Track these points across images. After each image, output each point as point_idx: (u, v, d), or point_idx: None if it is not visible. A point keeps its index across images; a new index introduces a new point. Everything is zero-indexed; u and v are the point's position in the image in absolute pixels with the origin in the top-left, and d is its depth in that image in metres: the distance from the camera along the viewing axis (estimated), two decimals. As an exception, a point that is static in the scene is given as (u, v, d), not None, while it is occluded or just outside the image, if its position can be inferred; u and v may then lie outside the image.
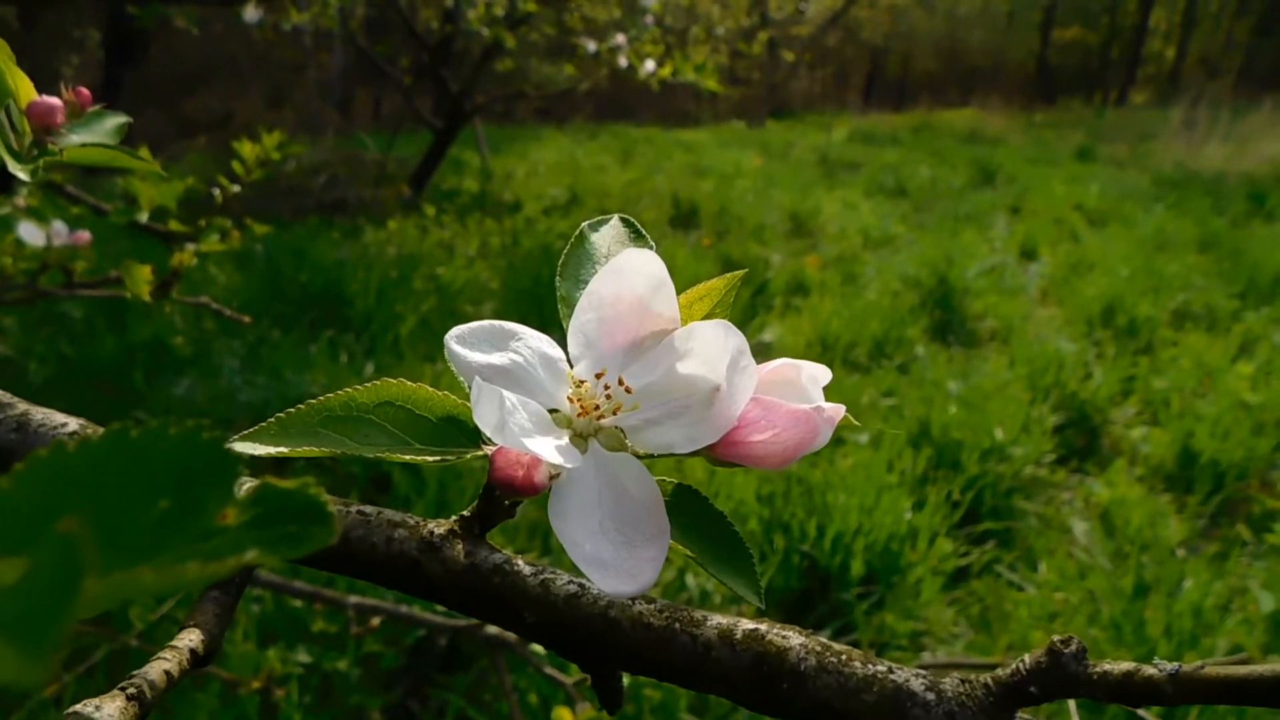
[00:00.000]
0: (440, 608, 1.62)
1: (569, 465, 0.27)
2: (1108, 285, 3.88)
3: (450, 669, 1.65)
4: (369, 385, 0.29)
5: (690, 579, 1.85)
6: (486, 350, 0.29)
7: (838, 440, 2.48)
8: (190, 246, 1.27)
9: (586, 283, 0.31)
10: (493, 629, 1.20)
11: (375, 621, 1.40)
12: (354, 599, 1.30)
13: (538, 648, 1.23)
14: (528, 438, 0.26)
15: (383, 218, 4.82)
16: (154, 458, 0.15)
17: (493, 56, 5.15)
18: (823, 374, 0.30)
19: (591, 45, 4.53)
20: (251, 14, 4.07)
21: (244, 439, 0.27)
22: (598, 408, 0.29)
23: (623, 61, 4.35)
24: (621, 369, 0.29)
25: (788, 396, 0.29)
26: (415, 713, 1.58)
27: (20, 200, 1.28)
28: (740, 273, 0.31)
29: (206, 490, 0.15)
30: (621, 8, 5.22)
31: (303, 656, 1.59)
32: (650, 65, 4.20)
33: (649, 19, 4.73)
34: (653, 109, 12.00)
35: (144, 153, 0.62)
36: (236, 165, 1.46)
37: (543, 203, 5.56)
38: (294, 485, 0.15)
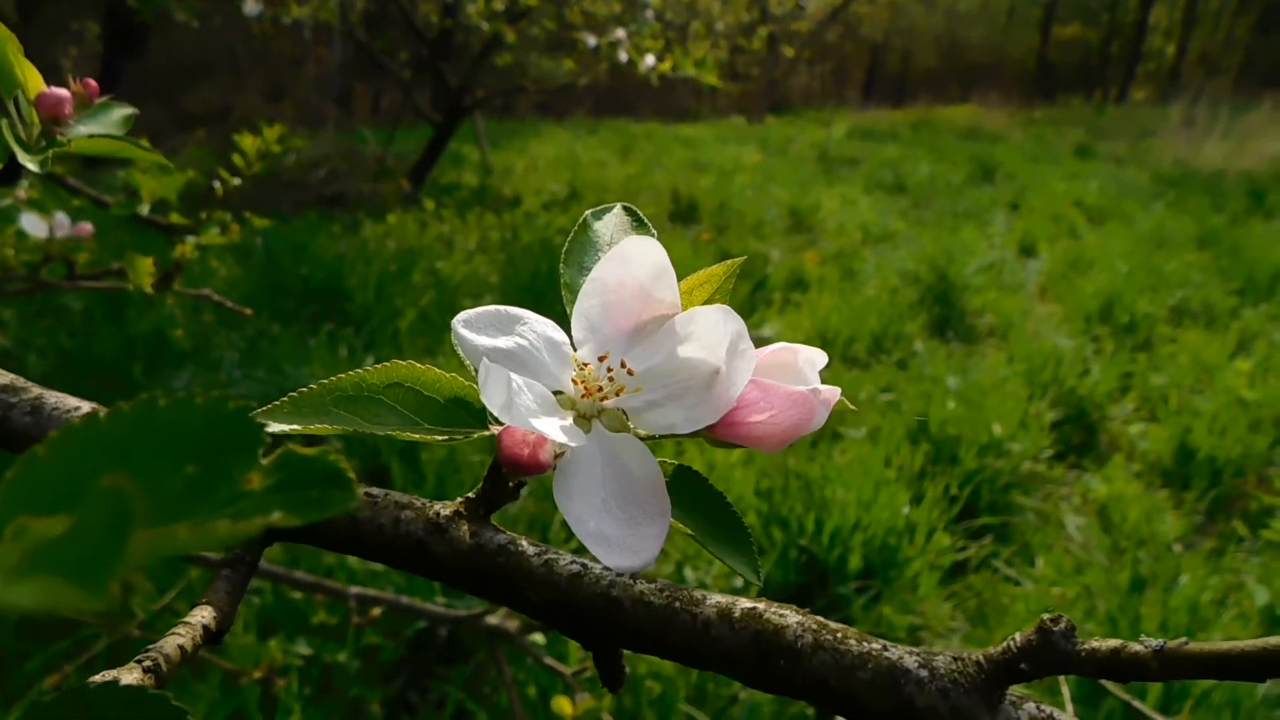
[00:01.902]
0: (441, 599, 1.63)
1: (573, 444, 0.28)
2: (1106, 282, 3.89)
3: (450, 661, 1.66)
4: (379, 367, 0.30)
5: (689, 572, 1.86)
6: (493, 334, 0.30)
7: (835, 435, 2.49)
8: (191, 239, 1.27)
9: (590, 269, 0.32)
10: (493, 620, 1.21)
11: (376, 612, 1.41)
12: (355, 589, 1.31)
13: (538, 638, 1.24)
14: (534, 417, 0.27)
15: (382, 212, 4.82)
16: (182, 427, 0.15)
17: (492, 51, 5.15)
18: (819, 357, 0.31)
19: (591, 40, 4.53)
20: (251, 7, 4.07)
21: (258, 416, 0.28)
22: (601, 389, 0.30)
23: (623, 56, 4.34)
24: (624, 352, 0.30)
25: (785, 379, 0.30)
26: (414, 705, 1.59)
27: (22, 192, 1.28)
28: (739, 259, 0.32)
29: (232, 457, 0.15)
30: (622, 2, 5.21)
31: (303, 648, 1.60)
32: (650, 60, 4.20)
33: (649, 14, 4.73)
34: (652, 104, 12.00)
35: (145, 145, 0.62)
36: (237, 158, 1.46)
37: (542, 198, 5.56)
38: (315, 452, 0.15)
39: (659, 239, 0.33)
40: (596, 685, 1.43)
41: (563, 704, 1.09)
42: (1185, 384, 2.96)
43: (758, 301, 3.75)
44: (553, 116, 10.95)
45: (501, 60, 5.56)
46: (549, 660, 1.20)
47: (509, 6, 4.59)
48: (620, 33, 4.45)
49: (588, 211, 0.34)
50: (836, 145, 8.56)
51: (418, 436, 0.29)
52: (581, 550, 0.31)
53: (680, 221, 5.26)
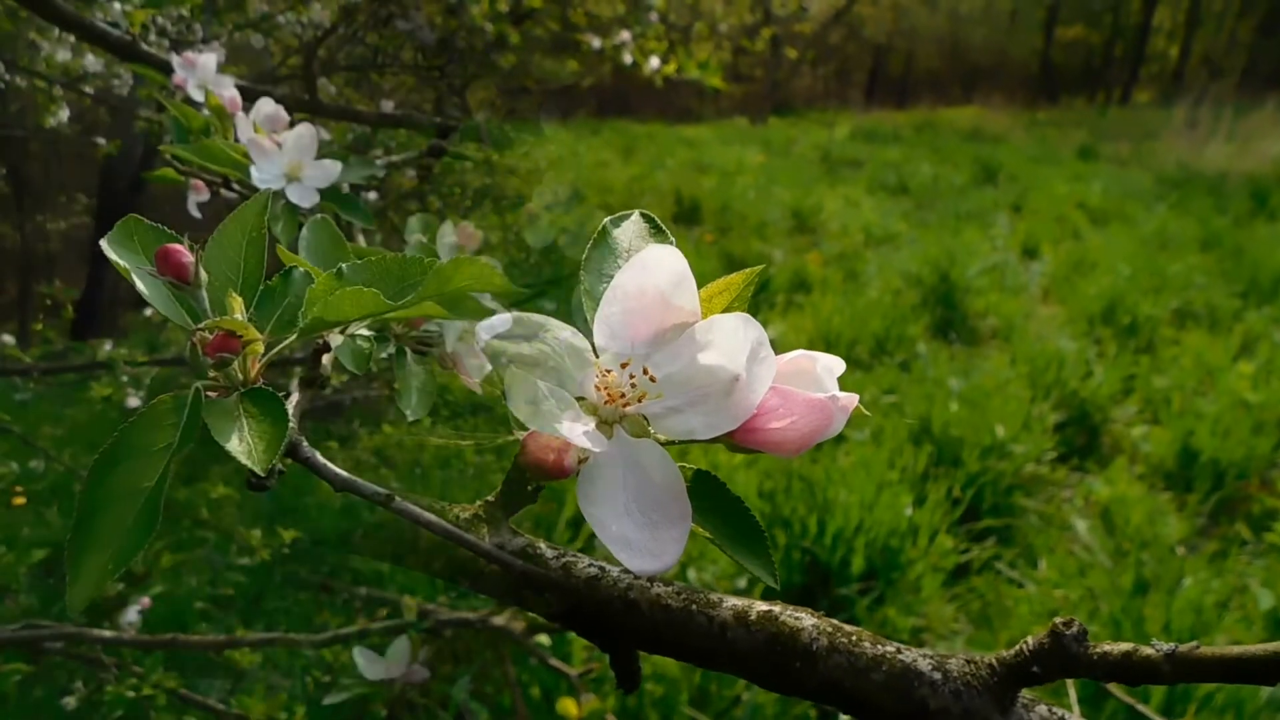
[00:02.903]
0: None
1: (597, 450, 0.28)
2: (1109, 284, 3.89)
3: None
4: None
5: (692, 573, 1.86)
6: (516, 340, 0.30)
7: (839, 437, 2.50)
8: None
9: (609, 276, 0.32)
10: (498, 621, 1.21)
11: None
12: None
13: (543, 639, 1.25)
14: (559, 423, 0.28)
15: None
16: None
17: (495, 52, 5.15)
18: (837, 365, 0.32)
19: (596, 41, 4.53)
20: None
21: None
22: (623, 396, 0.31)
23: (627, 58, 4.34)
24: (645, 359, 0.31)
25: (804, 386, 0.31)
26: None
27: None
28: (759, 268, 0.32)
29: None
30: (626, 4, 5.21)
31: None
32: (654, 62, 4.19)
33: (653, 15, 4.72)
34: (655, 105, 12.00)
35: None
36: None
37: (545, 198, 5.56)
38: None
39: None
40: (600, 686, 1.43)
41: (568, 705, 1.10)
42: (1188, 386, 2.96)
43: (760, 303, 3.76)
44: (556, 117, 10.95)
45: (505, 61, 5.56)
46: (554, 661, 1.20)
47: (513, 8, 4.59)
48: (625, 34, 4.44)
49: (606, 219, 0.35)
50: (839, 147, 8.57)
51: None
52: (592, 550, 0.32)
53: (683, 223, 5.27)
